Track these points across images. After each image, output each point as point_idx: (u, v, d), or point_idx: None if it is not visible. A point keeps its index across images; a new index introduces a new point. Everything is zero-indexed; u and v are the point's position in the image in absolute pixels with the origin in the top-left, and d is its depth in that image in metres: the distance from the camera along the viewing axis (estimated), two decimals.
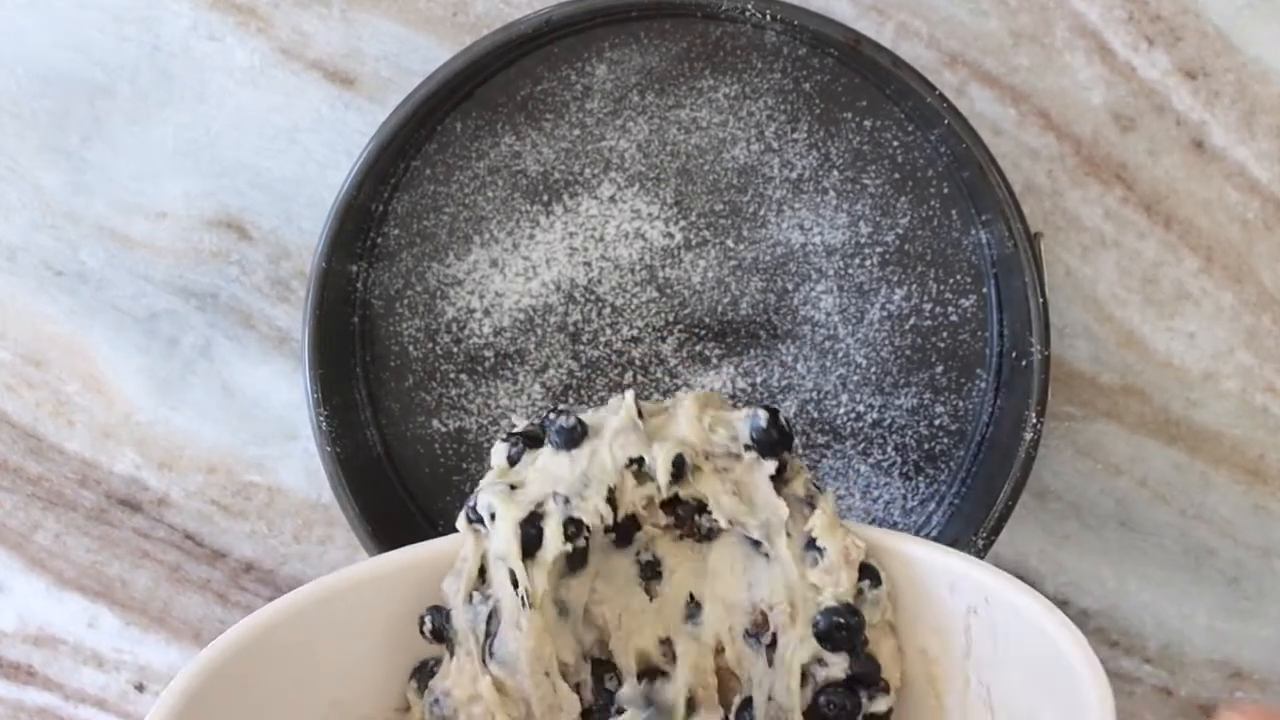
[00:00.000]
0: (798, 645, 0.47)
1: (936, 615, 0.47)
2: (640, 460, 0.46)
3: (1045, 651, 0.41)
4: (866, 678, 0.47)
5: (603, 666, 0.48)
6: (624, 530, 0.47)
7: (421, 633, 0.46)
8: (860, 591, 0.47)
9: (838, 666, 0.47)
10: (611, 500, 0.46)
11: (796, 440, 0.59)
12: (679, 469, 0.46)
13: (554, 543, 0.45)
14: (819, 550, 0.47)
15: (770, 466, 0.46)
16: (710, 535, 0.48)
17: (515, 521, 0.45)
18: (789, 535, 0.47)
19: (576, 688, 0.47)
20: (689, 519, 0.48)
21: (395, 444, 0.61)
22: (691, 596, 0.49)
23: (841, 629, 0.46)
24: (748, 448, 0.46)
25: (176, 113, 0.63)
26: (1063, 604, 0.64)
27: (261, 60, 0.63)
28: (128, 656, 0.66)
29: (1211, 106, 0.61)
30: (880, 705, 0.47)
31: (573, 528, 0.45)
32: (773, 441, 0.46)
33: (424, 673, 0.46)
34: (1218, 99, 0.61)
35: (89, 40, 0.63)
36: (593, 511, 0.46)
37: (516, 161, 0.60)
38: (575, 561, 0.46)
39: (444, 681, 0.46)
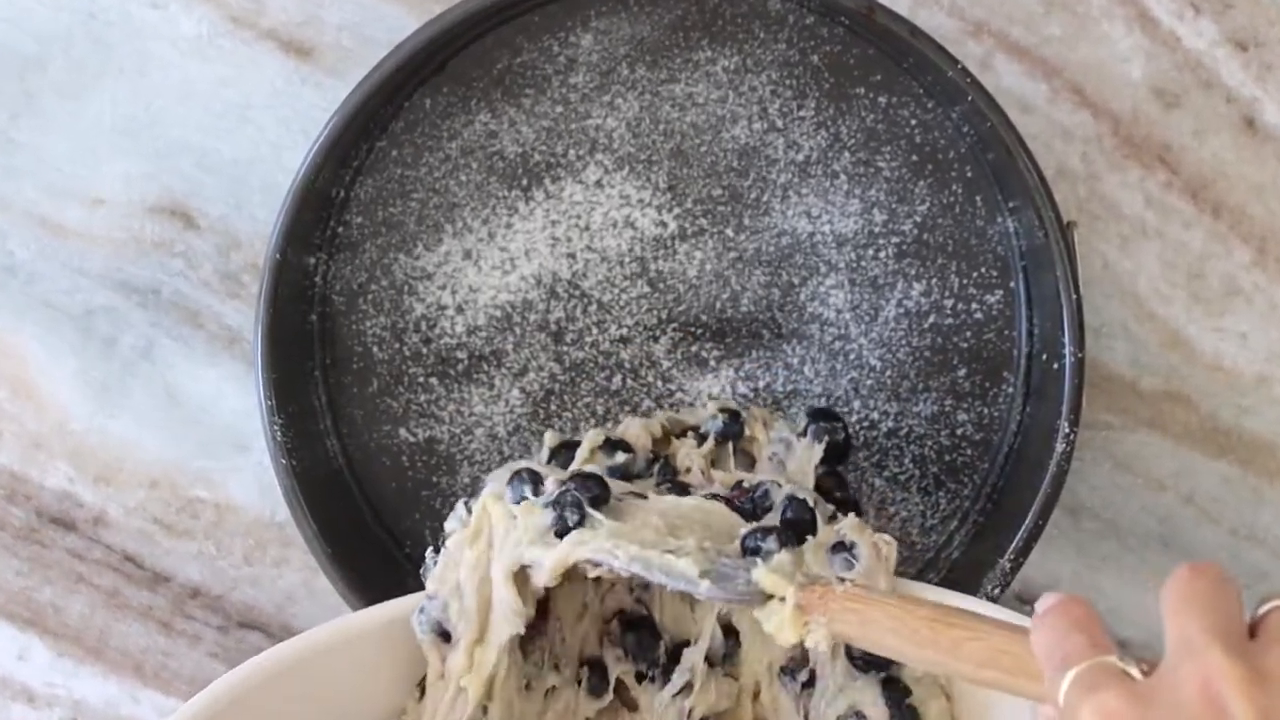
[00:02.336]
0: (834, 694, 0.49)
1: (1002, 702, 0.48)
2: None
3: None
4: None
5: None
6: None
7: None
8: None
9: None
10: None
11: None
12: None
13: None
14: (850, 551, 0.50)
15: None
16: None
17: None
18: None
19: None
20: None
21: (358, 456, 0.61)
22: (729, 626, 0.52)
23: (872, 659, 0.48)
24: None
25: (115, 87, 0.63)
26: None
27: (209, 29, 0.62)
28: (61, 691, 0.66)
29: (1264, 81, 0.61)
30: None
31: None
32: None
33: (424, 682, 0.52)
34: (1271, 73, 0.61)
35: (17, 7, 0.63)
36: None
37: (492, 142, 0.60)
38: None
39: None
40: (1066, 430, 0.56)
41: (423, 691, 0.52)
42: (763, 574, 0.48)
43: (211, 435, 0.65)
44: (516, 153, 0.60)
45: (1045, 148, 0.62)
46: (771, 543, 0.49)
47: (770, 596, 0.48)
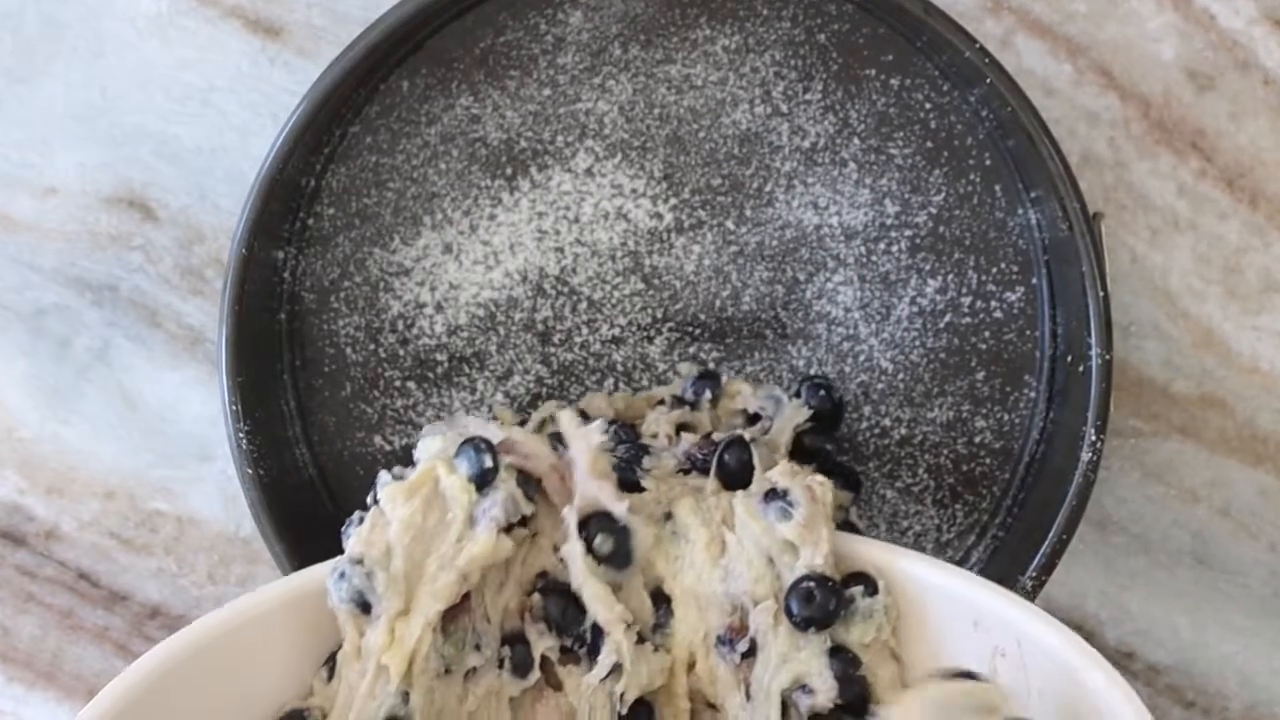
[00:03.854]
0: (778, 665, 0.48)
1: (955, 653, 0.47)
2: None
3: (1087, 709, 0.41)
4: (856, 706, 0.48)
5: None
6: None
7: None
8: (850, 598, 0.49)
9: (824, 694, 0.48)
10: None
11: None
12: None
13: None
14: (785, 499, 0.50)
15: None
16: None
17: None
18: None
19: None
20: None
21: (330, 465, 0.61)
22: (659, 592, 0.51)
23: (813, 600, 0.49)
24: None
25: (68, 69, 0.63)
26: (1128, 656, 0.64)
27: (169, 7, 0.63)
28: (10, 718, 0.66)
29: None
30: None
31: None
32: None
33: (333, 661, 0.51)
34: None
35: None
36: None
37: (475, 127, 0.60)
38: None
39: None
40: (1093, 438, 0.56)
41: (331, 671, 0.51)
42: None
43: (172, 443, 0.65)
44: (500, 139, 0.60)
45: (1069, 133, 0.62)
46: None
47: None
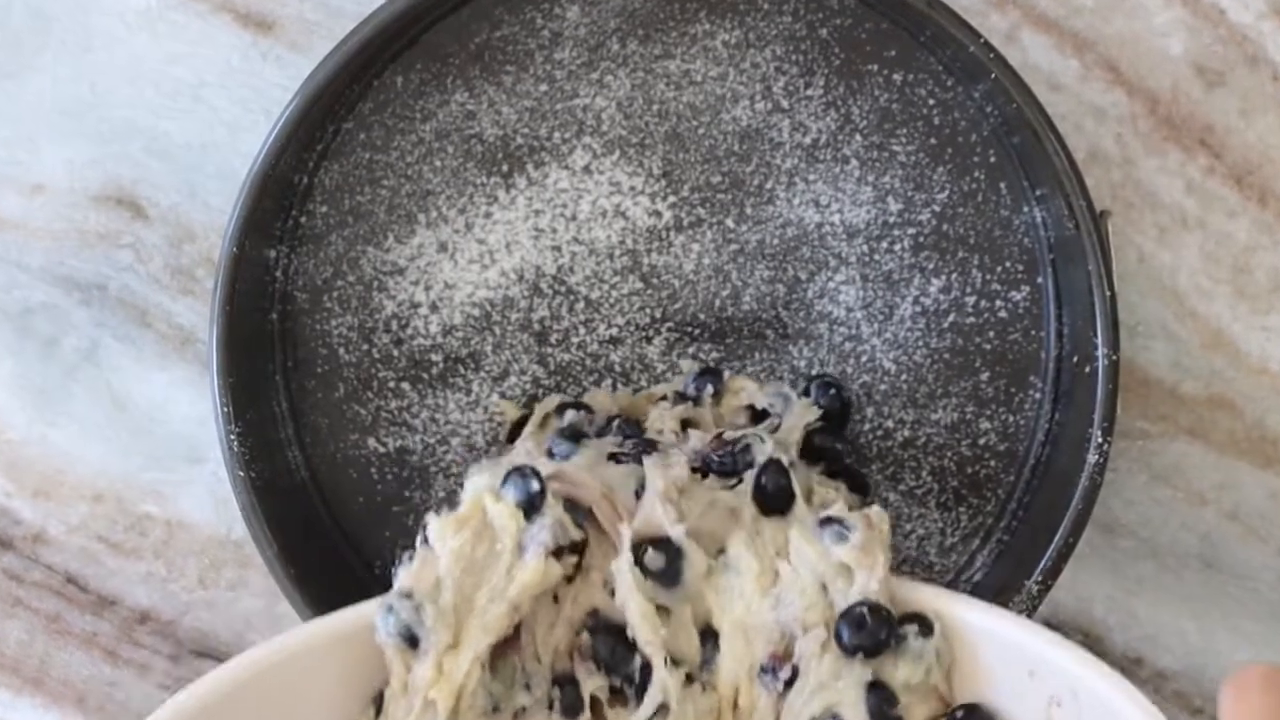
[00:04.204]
0: (813, 693, 0.48)
1: (1008, 701, 0.47)
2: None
3: None
4: None
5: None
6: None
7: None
8: (903, 635, 0.49)
9: None
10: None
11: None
12: None
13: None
14: (841, 525, 0.50)
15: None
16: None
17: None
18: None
19: None
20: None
21: (322, 468, 0.61)
22: (708, 629, 0.51)
23: (864, 626, 0.49)
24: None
25: (56, 64, 0.63)
26: (1135, 662, 0.64)
27: (159, 1, 0.62)
28: None
29: None
30: None
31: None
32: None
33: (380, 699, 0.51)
34: None
35: None
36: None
37: (470, 124, 0.60)
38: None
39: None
40: (1099, 439, 0.56)
41: (378, 710, 0.51)
42: None
43: (162, 445, 0.65)
44: (496, 135, 0.60)
45: (1076, 129, 0.62)
46: None
47: None
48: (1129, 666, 0.64)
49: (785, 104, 0.60)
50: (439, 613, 0.49)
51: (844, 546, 0.50)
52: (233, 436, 0.57)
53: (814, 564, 0.50)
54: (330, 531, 0.61)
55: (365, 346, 0.61)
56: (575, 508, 0.51)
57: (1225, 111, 0.62)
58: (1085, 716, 0.44)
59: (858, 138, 0.60)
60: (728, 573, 0.51)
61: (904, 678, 0.49)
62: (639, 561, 0.50)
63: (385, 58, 0.59)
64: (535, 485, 0.50)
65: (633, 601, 0.50)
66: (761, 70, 0.59)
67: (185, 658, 0.65)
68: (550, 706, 0.52)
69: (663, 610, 0.51)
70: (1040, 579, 0.56)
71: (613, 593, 0.51)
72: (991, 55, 0.55)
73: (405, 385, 0.61)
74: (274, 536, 0.58)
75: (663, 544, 0.51)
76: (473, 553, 0.50)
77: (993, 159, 0.59)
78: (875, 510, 0.51)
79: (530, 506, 0.50)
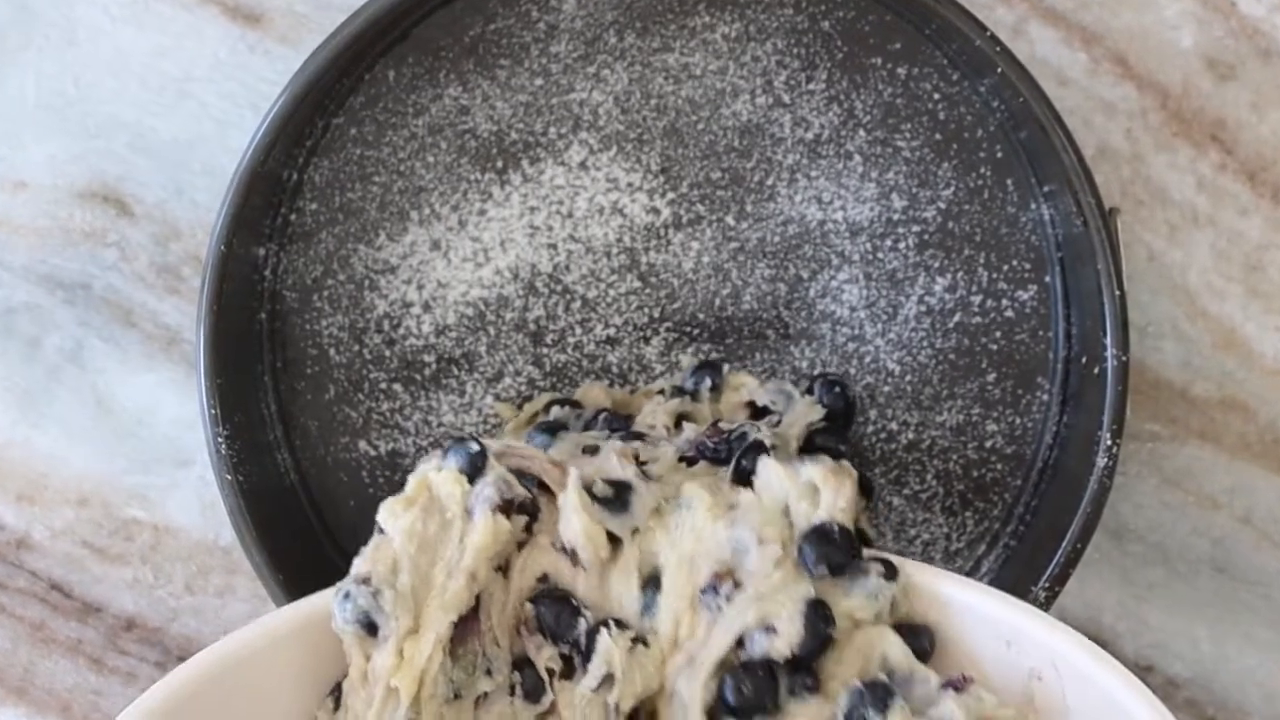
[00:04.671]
0: (751, 601, 0.48)
1: (990, 675, 0.47)
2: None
3: None
4: (805, 663, 0.48)
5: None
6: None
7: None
8: (865, 571, 0.49)
9: (785, 638, 0.49)
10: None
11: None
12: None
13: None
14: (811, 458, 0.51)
15: None
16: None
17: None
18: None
19: None
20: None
21: (312, 471, 0.61)
22: (653, 577, 0.51)
23: (831, 542, 0.49)
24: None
25: (39, 58, 0.63)
26: (1146, 670, 0.64)
27: None
28: None
29: None
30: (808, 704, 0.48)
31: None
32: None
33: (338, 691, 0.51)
34: None
35: None
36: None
37: (464, 119, 0.60)
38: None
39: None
40: (1108, 442, 0.56)
41: (336, 702, 0.51)
42: None
43: (148, 448, 0.65)
44: (490, 131, 0.60)
45: (1084, 125, 0.62)
46: (874, 716, 0.47)
47: None
48: (1139, 674, 0.63)
49: (787, 98, 0.59)
50: (398, 596, 0.49)
51: (815, 466, 0.50)
52: (220, 439, 0.57)
53: (780, 483, 0.50)
54: (320, 537, 0.61)
55: (356, 347, 0.61)
56: (524, 477, 0.51)
57: (1237, 106, 0.62)
58: (1067, 689, 0.45)
59: (861, 133, 0.60)
60: (679, 510, 0.51)
61: (851, 608, 0.49)
62: (589, 491, 0.51)
63: (376, 51, 0.59)
64: (475, 447, 0.50)
65: (577, 520, 0.50)
66: (762, 64, 0.59)
67: (172, 665, 0.63)
68: (511, 691, 0.51)
69: (613, 541, 0.51)
70: (1048, 585, 0.56)
71: (563, 549, 0.51)
72: (998, 49, 0.55)
73: (397, 387, 0.61)
74: (263, 542, 0.58)
75: (615, 483, 0.51)
76: (424, 530, 0.50)
77: (999, 155, 0.59)
78: (844, 463, 0.51)
79: (473, 470, 0.50)
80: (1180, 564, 0.64)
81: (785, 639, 0.48)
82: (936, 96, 0.59)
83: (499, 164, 0.60)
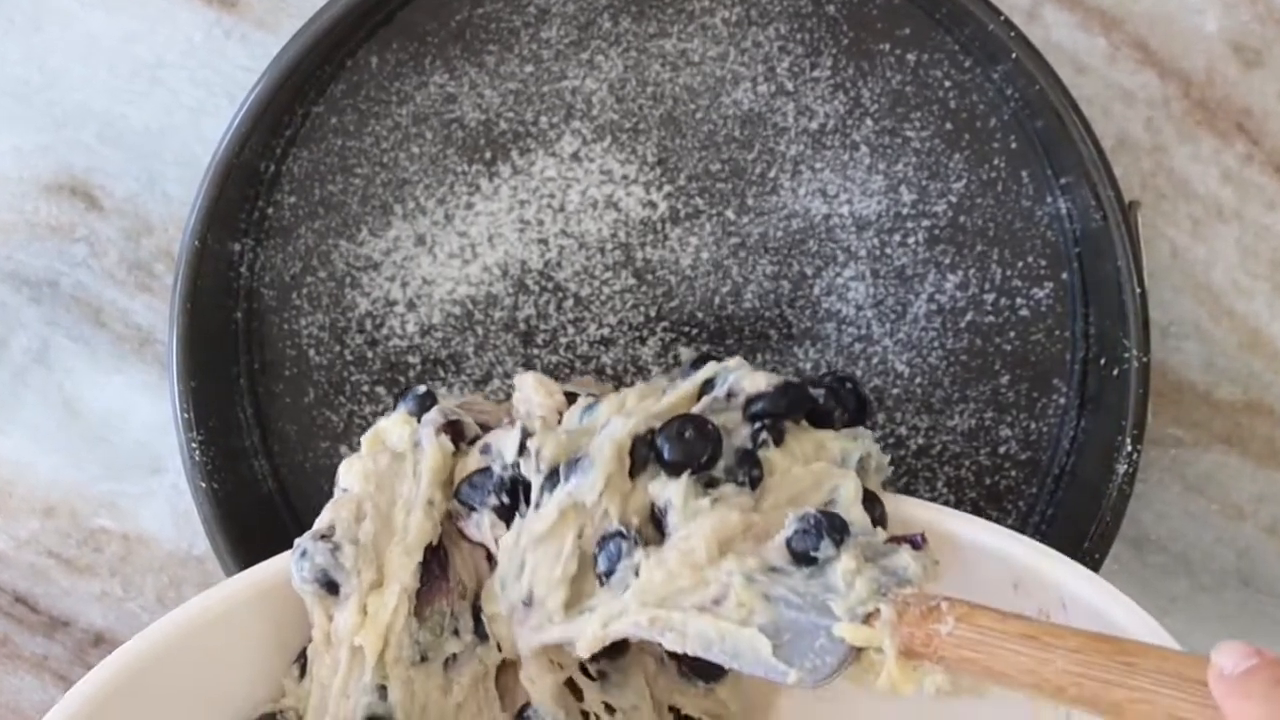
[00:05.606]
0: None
1: None
2: None
3: None
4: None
5: None
6: None
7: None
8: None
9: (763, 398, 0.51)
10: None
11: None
12: None
13: None
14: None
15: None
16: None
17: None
18: None
19: None
20: None
21: (291, 478, 0.61)
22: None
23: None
24: None
25: (4, 44, 0.63)
26: None
27: None
28: None
29: None
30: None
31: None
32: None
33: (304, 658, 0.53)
34: None
35: None
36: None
37: (450, 107, 0.60)
38: None
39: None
40: (1128, 448, 0.56)
41: (303, 669, 0.52)
42: (850, 630, 0.47)
43: (118, 454, 0.65)
44: (478, 120, 0.60)
45: (1103, 114, 0.62)
46: (827, 548, 0.48)
47: (862, 649, 0.47)
48: None
49: (790, 86, 0.59)
50: (360, 550, 0.50)
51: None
52: (194, 445, 0.57)
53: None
54: None
55: (337, 347, 0.61)
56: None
57: (1264, 94, 0.62)
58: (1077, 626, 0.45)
59: (868, 122, 0.60)
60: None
61: (822, 438, 0.52)
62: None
63: (359, 36, 0.59)
64: (421, 389, 0.54)
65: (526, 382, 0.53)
66: (764, 50, 0.59)
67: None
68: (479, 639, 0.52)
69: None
70: None
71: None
72: (1012, 34, 0.55)
73: (380, 389, 0.61)
74: (238, 553, 0.58)
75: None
76: (378, 468, 0.51)
77: (1014, 145, 0.59)
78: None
79: (421, 410, 0.53)
80: (1204, 576, 0.64)
81: (756, 382, 0.51)
82: (947, 84, 0.59)
83: (487, 155, 0.60)
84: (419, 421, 0.52)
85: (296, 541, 0.51)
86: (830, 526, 0.48)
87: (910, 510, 0.51)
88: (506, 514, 0.51)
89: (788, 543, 0.49)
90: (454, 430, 0.52)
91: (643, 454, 0.50)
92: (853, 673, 0.47)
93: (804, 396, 0.52)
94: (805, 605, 0.47)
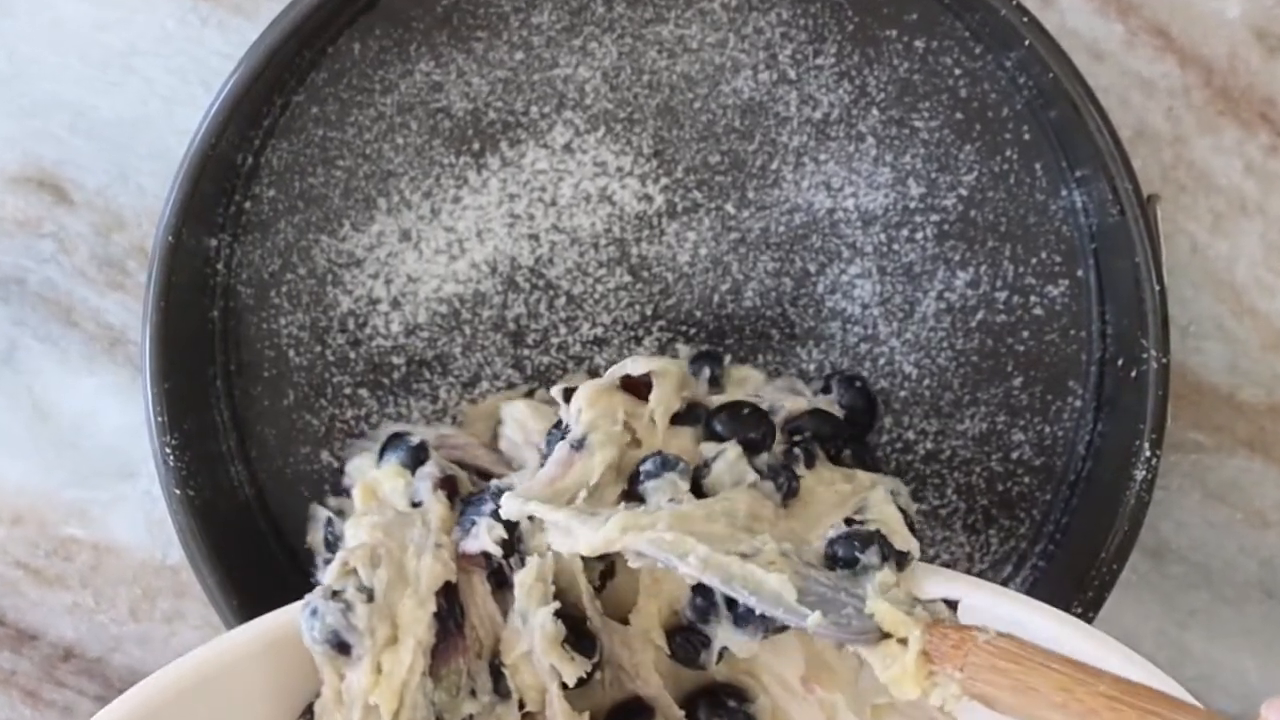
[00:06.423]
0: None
1: None
2: None
3: None
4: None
5: None
6: None
7: None
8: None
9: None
10: None
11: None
12: None
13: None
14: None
15: None
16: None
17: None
18: None
19: None
20: None
21: (270, 484, 0.61)
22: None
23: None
24: None
25: None
26: None
27: None
28: None
29: None
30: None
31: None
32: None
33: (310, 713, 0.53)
34: None
35: None
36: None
37: (436, 97, 0.60)
38: None
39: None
40: (1147, 453, 0.56)
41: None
42: (882, 608, 0.49)
43: (88, 459, 0.65)
44: (466, 110, 0.60)
45: (1121, 103, 0.62)
46: (872, 555, 0.50)
47: (887, 635, 0.49)
48: None
49: (792, 74, 0.59)
50: (373, 610, 0.51)
51: None
52: (168, 449, 0.57)
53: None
54: (278, 556, 0.61)
55: (318, 348, 0.61)
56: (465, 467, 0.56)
57: None
58: None
59: (874, 112, 0.60)
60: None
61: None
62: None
63: (340, 22, 0.59)
64: (414, 440, 0.56)
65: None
66: (765, 36, 0.59)
67: (114, 699, 0.64)
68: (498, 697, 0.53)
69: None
70: (1080, 610, 0.57)
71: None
72: (1025, 19, 0.55)
73: (363, 392, 0.61)
74: (215, 562, 0.58)
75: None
76: (385, 521, 0.53)
77: (1027, 136, 0.59)
78: None
79: (415, 461, 0.55)
80: (1226, 588, 0.64)
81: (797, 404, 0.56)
82: (958, 72, 0.59)
83: (475, 147, 0.60)
84: (412, 474, 0.54)
85: (308, 598, 0.51)
86: (880, 541, 0.50)
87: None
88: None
89: (829, 544, 0.51)
90: (449, 486, 0.54)
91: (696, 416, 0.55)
92: (867, 656, 0.49)
93: (840, 425, 0.55)
94: (837, 588, 0.49)
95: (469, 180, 0.60)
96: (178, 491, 0.57)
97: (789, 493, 0.53)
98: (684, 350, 0.60)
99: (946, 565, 0.61)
